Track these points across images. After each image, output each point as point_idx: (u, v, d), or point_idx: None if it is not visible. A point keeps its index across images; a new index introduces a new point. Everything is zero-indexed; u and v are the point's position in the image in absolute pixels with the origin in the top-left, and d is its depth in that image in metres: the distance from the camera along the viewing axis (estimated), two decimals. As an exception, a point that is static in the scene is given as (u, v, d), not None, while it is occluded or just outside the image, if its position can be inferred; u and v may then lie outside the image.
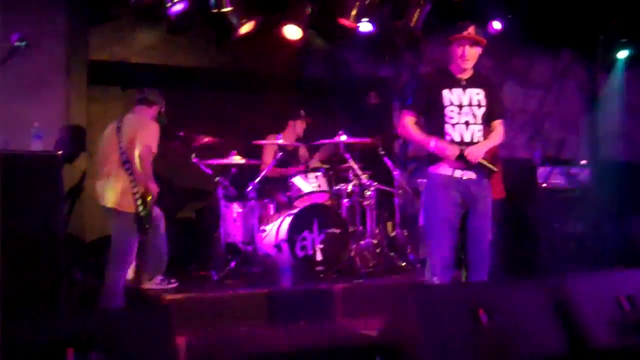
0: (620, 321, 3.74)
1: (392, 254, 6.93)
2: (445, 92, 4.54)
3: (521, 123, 8.71)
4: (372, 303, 5.92)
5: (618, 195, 7.77)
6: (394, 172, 6.97)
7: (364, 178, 6.80)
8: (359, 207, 7.03)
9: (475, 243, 4.56)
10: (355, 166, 6.81)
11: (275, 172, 7.00)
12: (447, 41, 4.60)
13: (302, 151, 7.55)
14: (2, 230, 5.01)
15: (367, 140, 6.86)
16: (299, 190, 6.75)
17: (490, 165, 4.56)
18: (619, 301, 3.84)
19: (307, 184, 6.74)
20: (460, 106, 4.53)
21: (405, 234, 7.06)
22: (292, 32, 6.99)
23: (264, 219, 6.76)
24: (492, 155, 4.86)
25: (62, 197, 5.64)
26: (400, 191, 7.05)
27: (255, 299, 5.72)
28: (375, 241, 6.80)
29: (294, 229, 6.28)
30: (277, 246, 6.28)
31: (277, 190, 7.07)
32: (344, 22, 6.94)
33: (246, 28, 6.67)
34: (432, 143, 4.48)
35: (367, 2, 6.92)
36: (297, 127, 7.37)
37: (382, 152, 6.92)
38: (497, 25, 7.60)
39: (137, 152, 5.58)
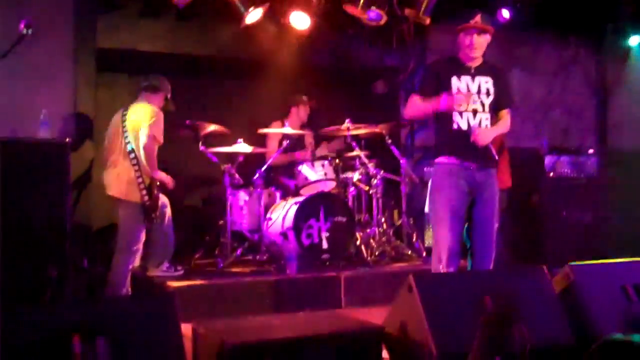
0: (626, 310, 3.74)
1: (398, 242, 6.94)
2: (454, 80, 4.54)
3: (528, 111, 8.68)
4: (378, 291, 5.95)
5: (625, 184, 7.75)
6: (401, 161, 6.96)
7: (371, 166, 6.80)
8: (365, 195, 7.04)
9: (481, 232, 4.56)
10: (362, 154, 6.81)
11: (280, 158, 7.00)
12: (454, 31, 4.60)
13: (308, 138, 7.54)
14: (9, 219, 5.03)
15: (374, 128, 6.85)
16: (306, 178, 6.76)
17: (494, 152, 4.55)
18: (625, 290, 3.84)
19: (313, 172, 6.75)
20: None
21: (412, 222, 7.06)
22: (299, 20, 6.97)
23: (270, 207, 6.77)
24: (499, 144, 4.86)
25: (69, 184, 5.66)
26: (406, 179, 7.04)
27: (261, 287, 5.74)
28: (381, 229, 6.81)
29: (300, 217, 6.28)
30: (283, 234, 6.28)
31: (283, 178, 7.07)
32: (352, 10, 6.91)
33: (253, 16, 6.65)
34: (442, 100, 4.44)
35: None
36: (301, 112, 7.36)
37: (389, 141, 6.91)
38: (506, 13, 7.57)
39: (141, 142, 5.59)
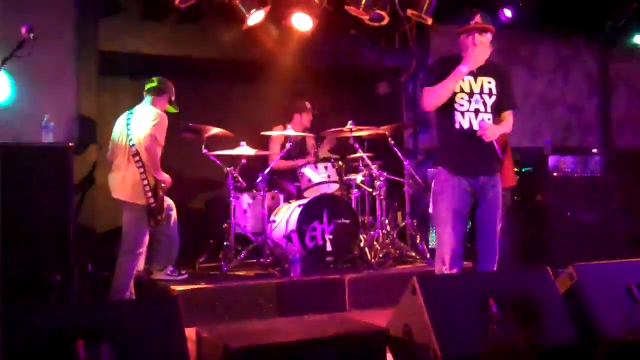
0: (631, 310, 3.73)
1: (401, 244, 6.93)
2: None
3: (531, 110, 8.67)
4: (382, 293, 5.93)
5: (630, 183, 7.74)
6: (404, 162, 6.95)
7: (374, 168, 6.79)
8: (368, 197, 7.03)
9: (485, 233, 4.55)
10: (365, 156, 6.80)
11: (283, 164, 7.00)
12: (455, 33, 4.59)
13: (310, 142, 7.54)
14: (13, 223, 5.03)
15: (377, 130, 6.85)
16: (309, 180, 6.76)
17: (498, 150, 4.54)
18: (629, 290, 3.83)
19: (316, 174, 6.75)
20: (471, 94, 4.52)
21: (415, 224, 7.04)
22: (301, 21, 6.97)
23: (273, 210, 6.76)
24: (502, 143, 4.84)
25: (73, 188, 5.67)
26: (410, 181, 7.04)
27: (265, 290, 5.73)
28: (384, 231, 6.80)
29: (304, 220, 6.28)
30: (287, 237, 6.28)
31: (286, 180, 7.07)
32: (353, 11, 6.91)
33: (256, 18, 6.66)
34: (462, 62, 4.43)
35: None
36: (304, 119, 7.36)
37: (392, 142, 6.90)
38: (508, 13, 7.57)
39: (143, 143, 5.58)
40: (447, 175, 4.57)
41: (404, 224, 7.09)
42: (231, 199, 6.38)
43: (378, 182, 6.79)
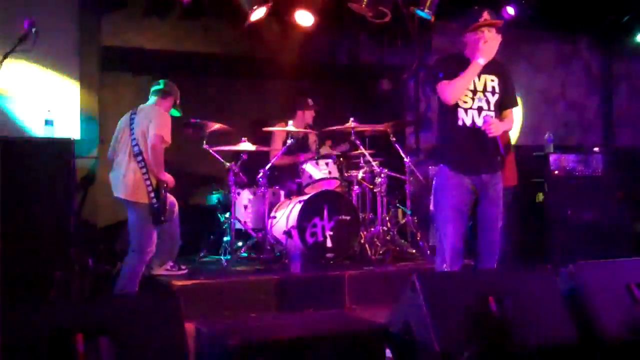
0: (631, 309, 3.73)
1: (402, 241, 6.93)
2: None
3: (533, 108, 8.67)
4: (382, 290, 5.93)
5: (631, 181, 7.73)
6: (405, 159, 6.94)
7: (375, 165, 6.79)
8: (369, 194, 7.03)
9: (486, 231, 4.54)
10: (366, 153, 6.80)
11: (284, 160, 7.00)
12: (464, 30, 4.55)
13: (312, 139, 7.54)
14: (14, 218, 5.04)
15: (378, 126, 6.85)
16: (310, 176, 6.75)
17: (501, 146, 4.54)
18: (630, 289, 3.82)
19: (317, 170, 6.75)
20: (475, 91, 4.50)
21: (416, 221, 7.04)
22: (304, 18, 6.96)
23: (274, 206, 6.77)
24: (505, 141, 4.84)
25: (74, 183, 5.67)
26: (411, 178, 7.03)
27: (265, 286, 5.73)
28: (385, 228, 6.80)
29: (304, 216, 6.28)
30: (288, 233, 6.28)
31: (287, 176, 7.07)
32: (356, 8, 6.90)
33: (258, 14, 6.65)
34: (478, 60, 4.42)
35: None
36: (306, 116, 7.37)
37: (394, 139, 6.90)
38: (511, 10, 7.56)
39: (149, 143, 5.53)
40: (448, 172, 4.56)
41: (404, 220, 7.09)
42: (232, 194, 6.39)
43: (379, 179, 6.79)
